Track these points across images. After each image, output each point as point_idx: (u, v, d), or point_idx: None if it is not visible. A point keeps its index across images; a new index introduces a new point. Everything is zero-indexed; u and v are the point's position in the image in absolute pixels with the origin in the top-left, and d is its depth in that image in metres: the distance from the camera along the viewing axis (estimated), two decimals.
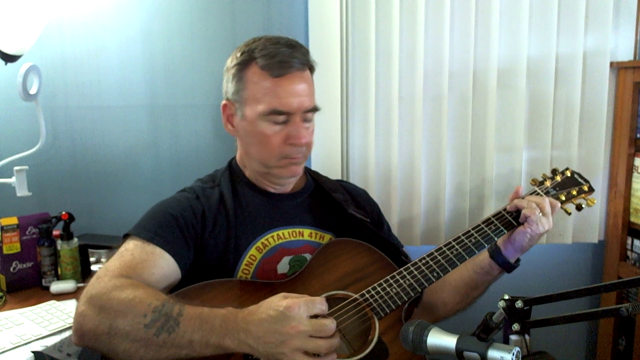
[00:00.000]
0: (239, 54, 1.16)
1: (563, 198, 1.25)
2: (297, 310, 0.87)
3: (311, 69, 1.19)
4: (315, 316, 0.90)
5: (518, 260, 1.21)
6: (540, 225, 1.13)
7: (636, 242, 1.70)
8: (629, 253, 1.73)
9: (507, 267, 1.19)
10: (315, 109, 1.16)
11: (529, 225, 1.14)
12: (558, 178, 1.30)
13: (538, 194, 1.24)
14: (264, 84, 1.11)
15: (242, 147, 1.22)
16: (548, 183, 1.28)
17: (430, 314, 1.28)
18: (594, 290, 0.78)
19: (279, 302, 0.89)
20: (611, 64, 1.68)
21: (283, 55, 1.11)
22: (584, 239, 1.77)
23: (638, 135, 1.69)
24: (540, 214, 1.14)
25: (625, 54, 1.71)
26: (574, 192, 1.28)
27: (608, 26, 1.65)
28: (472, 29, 1.64)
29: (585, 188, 1.29)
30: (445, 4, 1.62)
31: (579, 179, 1.31)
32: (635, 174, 1.70)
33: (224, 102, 1.20)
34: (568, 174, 1.32)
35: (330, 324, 0.90)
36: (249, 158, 1.21)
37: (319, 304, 0.90)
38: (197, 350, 0.88)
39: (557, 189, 1.27)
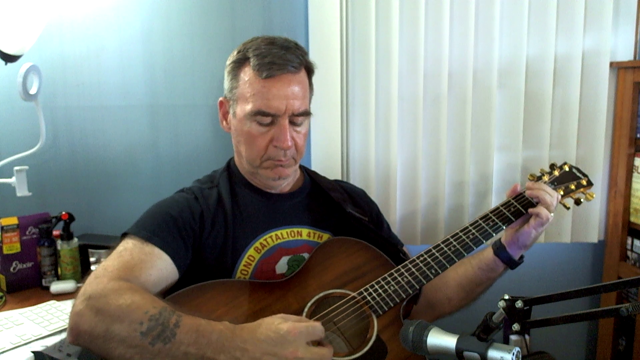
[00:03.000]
0: (235, 52, 1.17)
1: (561, 193, 1.24)
2: (297, 336, 0.87)
3: (309, 71, 1.18)
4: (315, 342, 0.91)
5: (522, 256, 1.21)
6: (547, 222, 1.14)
7: (636, 242, 1.70)
8: (629, 253, 1.73)
9: (512, 263, 1.19)
10: (306, 113, 1.15)
11: (536, 223, 1.13)
12: (556, 173, 1.30)
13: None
14: (254, 84, 1.12)
15: (234, 145, 1.23)
16: (546, 178, 1.28)
17: (433, 310, 1.28)
18: (594, 290, 0.78)
19: (279, 324, 0.89)
20: (611, 64, 1.68)
21: (274, 57, 1.10)
22: (583, 239, 1.77)
23: (638, 135, 1.69)
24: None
25: (625, 54, 1.70)
26: (572, 187, 1.27)
27: (608, 26, 1.65)
28: (471, 29, 1.64)
29: (584, 182, 1.29)
30: (445, 4, 1.62)
31: (578, 173, 1.31)
32: (635, 174, 1.70)
33: (220, 98, 1.21)
34: (566, 168, 1.31)
35: (327, 353, 0.90)
36: (239, 156, 1.23)
37: (319, 330, 0.91)
38: None
39: (555, 183, 1.27)
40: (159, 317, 0.89)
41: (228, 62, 1.18)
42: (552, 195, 1.16)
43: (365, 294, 1.08)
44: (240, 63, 1.15)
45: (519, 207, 1.18)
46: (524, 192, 1.20)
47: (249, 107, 1.12)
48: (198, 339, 0.87)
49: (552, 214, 1.15)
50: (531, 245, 1.19)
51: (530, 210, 1.15)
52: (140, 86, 1.71)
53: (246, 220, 1.18)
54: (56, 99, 1.70)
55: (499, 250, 1.19)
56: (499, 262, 1.19)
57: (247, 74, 1.13)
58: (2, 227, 1.48)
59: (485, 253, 1.22)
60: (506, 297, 0.80)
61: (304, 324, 0.90)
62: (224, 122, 1.23)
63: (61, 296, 1.45)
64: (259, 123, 1.12)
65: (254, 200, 1.22)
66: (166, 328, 0.88)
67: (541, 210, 1.13)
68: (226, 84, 1.19)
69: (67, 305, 1.36)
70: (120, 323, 0.88)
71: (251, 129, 1.14)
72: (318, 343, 0.93)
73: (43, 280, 1.52)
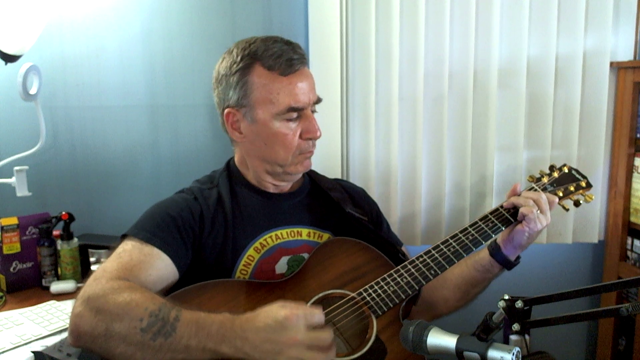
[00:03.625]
0: (238, 59, 1.14)
1: (560, 194, 1.24)
2: (296, 321, 0.87)
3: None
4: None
5: (518, 257, 1.21)
6: (539, 223, 1.13)
7: (636, 242, 1.70)
8: (629, 253, 1.73)
9: (507, 264, 1.19)
10: (319, 100, 1.19)
11: (527, 224, 1.13)
12: (555, 174, 1.30)
13: (535, 190, 1.23)
14: (274, 83, 1.12)
15: (252, 151, 1.19)
16: (545, 179, 1.28)
17: (430, 311, 1.28)
18: (594, 290, 0.78)
19: (277, 311, 0.89)
20: (611, 64, 1.68)
21: (287, 54, 1.12)
22: (584, 239, 1.77)
23: (638, 135, 1.69)
24: (538, 211, 1.13)
25: (625, 54, 1.70)
26: (572, 188, 1.27)
27: (608, 26, 1.65)
28: (472, 29, 1.64)
29: (583, 184, 1.29)
30: (445, 4, 1.62)
31: (577, 175, 1.31)
32: (635, 174, 1.70)
33: (226, 110, 1.17)
34: (566, 170, 1.31)
35: (328, 336, 0.90)
36: (259, 161, 1.19)
37: (317, 315, 0.91)
38: (193, 356, 0.88)
39: (555, 185, 1.27)
40: (159, 313, 0.89)
41: (229, 72, 1.15)
42: (529, 202, 1.14)
43: (364, 294, 1.08)
44: (248, 68, 1.13)
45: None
46: (523, 192, 1.20)
47: (276, 107, 1.12)
48: (198, 331, 0.88)
49: (538, 213, 1.13)
50: (527, 245, 1.18)
51: (521, 209, 1.15)
52: (140, 86, 1.72)
53: (246, 220, 1.18)
54: (56, 99, 1.70)
55: (495, 251, 1.19)
56: (495, 263, 1.19)
57: (261, 76, 1.12)
58: (2, 227, 1.48)
59: (481, 254, 1.22)
60: (506, 297, 0.80)
61: (302, 310, 0.90)
62: (237, 133, 1.19)
63: (61, 296, 1.45)
64: (288, 120, 1.13)
65: (254, 200, 1.21)
66: (166, 323, 0.88)
67: (524, 209, 1.13)
68: (231, 94, 1.15)
69: (67, 305, 1.36)
70: (120, 321, 0.89)
71: (281, 129, 1.13)
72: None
73: (43, 280, 1.52)
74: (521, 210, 1.14)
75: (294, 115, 1.14)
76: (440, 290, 1.26)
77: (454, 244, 1.13)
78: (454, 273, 1.24)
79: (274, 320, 0.87)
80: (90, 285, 0.95)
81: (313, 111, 1.18)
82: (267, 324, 0.87)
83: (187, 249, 1.11)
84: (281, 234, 1.20)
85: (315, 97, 1.17)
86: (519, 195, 1.19)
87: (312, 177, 1.32)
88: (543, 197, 1.15)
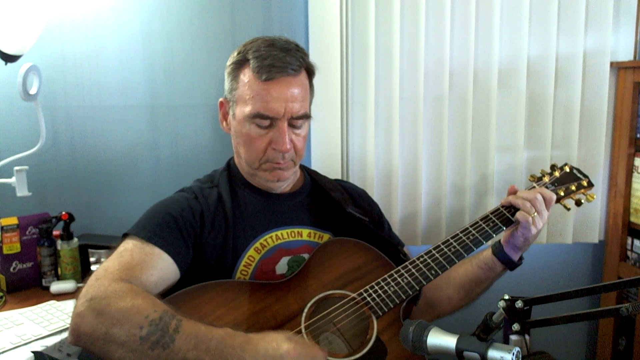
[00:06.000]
0: (235, 53, 1.16)
1: (562, 194, 1.24)
2: (295, 358, 0.88)
3: (309, 73, 1.18)
4: None
5: (521, 258, 1.21)
6: (533, 228, 1.13)
7: (636, 242, 1.70)
8: (629, 253, 1.73)
9: (510, 264, 1.19)
10: (305, 116, 1.15)
11: (521, 229, 1.14)
12: (557, 174, 1.30)
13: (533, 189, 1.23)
14: (253, 86, 1.11)
15: (234, 145, 1.22)
16: (546, 179, 1.28)
17: (433, 309, 1.28)
18: (594, 290, 0.78)
19: (281, 342, 0.90)
20: (611, 64, 1.68)
21: (274, 59, 1.10)
22: (584, 239, 1.77)
23: (638, 135, 1.69)
24: (535, 214, 1.13)
25: (625, 54, 1.71)
26: (573, 188, 1.27)
27: (608, 26, 1.65)
28: (472, 29, 1.64)
29: (585, 183, 1.29)
30: (445, 4, 1.62)
31: (578, 174, 1.31)
32: (635, 174, 1.70)
33: (221, 99, 1.21)
34: (567, 169, 1.31)
35: None
36: (238, 157, 1.23)
37: (320, 358, 0.91)
38: None
39: (556, 184, 1.27)
40: (159, 322, 0.89)
41: (228, 63, 1.18)
42: (527, 200, 1.14)
43: (365, 295, 1.08)
44: (240, 64, 1.14)
45: None
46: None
47: (247, 109, 1.12)
48: (197, 345, 0.88)
49: (535, 215, 1.13)
50: (526, 247, 1.18)
51: (517, 215, 1.15)
52: (140, 86, 1.71)
53: (246, 221, 1.18)
54: (56, 99, 1.70)
55: (498, 250, 1.19)
56: (497, 262, 1.19)
57: (246, 75, 1.13)
58: (2, 227, 1.48)
59: (485, 252, 1.22)
60: (506, 297, 0.80)
61: (306, 350, 0.91)
62: (224, 123, 1.23)
63: (61, 296, 1.45)
64: (257, 125, 1.12)
65: (254, 200, 1.21)
66: (165, 333, 0.88)
67: (519, 215, 1.13)
68: (226, 84, 1.19)
69: (67, 305, 1.36)
70: (120, 327, 0.88)
71: (250, 131, 1.13)
72: None
73: (43, 280, 1.52)
74: (517, 215, 1.14)
75: (264, 122, 1.12)
76: (444, 289, 1.26)
77: (454, 243, 1.13)
78: (459, 272, 1.25)
79: (275, 351, 0.88)
80: (93, 286, 0.95)
81: (293, 125, 1.14)
82: (267, 352, 0.88)
83: (188, 249, 1.11)
84: (281, 234, 1.20)
85: (296, 110, 1.11)
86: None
87: (312, 177, 1.32)
88: (539, 197, 1.15)
